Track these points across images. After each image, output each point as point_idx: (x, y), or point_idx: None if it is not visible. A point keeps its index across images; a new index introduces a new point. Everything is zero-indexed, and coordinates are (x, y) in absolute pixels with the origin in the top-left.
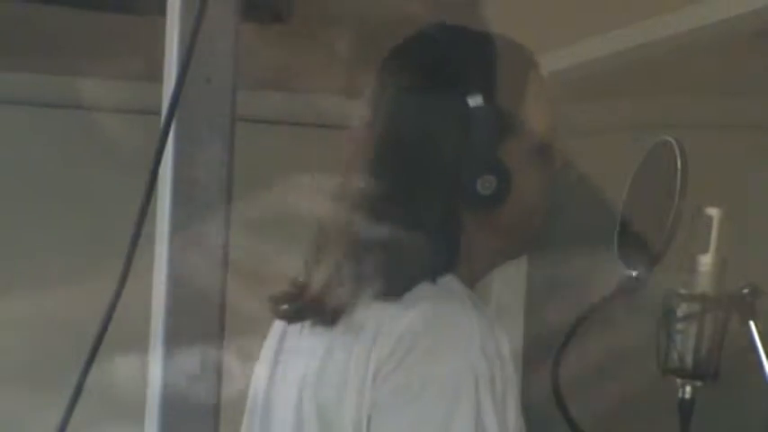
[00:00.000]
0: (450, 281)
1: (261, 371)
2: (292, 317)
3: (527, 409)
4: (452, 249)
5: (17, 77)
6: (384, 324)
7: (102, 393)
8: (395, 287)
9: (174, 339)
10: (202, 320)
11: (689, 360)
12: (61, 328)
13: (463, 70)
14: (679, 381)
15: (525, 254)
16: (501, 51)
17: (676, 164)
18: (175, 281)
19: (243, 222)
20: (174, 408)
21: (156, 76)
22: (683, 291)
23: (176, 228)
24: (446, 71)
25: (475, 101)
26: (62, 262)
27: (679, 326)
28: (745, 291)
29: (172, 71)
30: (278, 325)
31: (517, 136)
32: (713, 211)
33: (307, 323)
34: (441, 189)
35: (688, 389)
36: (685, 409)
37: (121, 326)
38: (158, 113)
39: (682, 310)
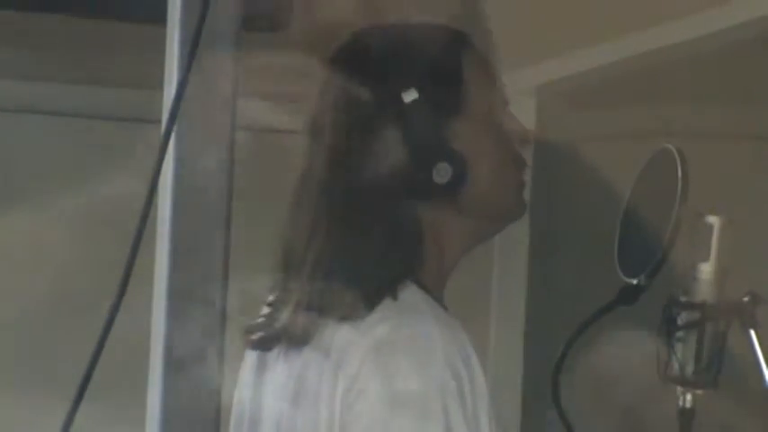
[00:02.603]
0: (412, 292)
1: (243, 392)
2: (264, 345)
3: (526, 415)
4: (413, 255)
5: (15, 86)
6: (348, 346)
7: (103, 398)
8: (356, 310)
9: (174, 346)
10: (203, 328)
11: (689, 368)
12: (62, 333)
13: (392, 68)
14: (679, 389)
15: (501, 229)
16: (429, 40)
17: (677, 172)
18: (176, 288)
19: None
20: (174, 414)
21: (156, 84)
22: (683, 299)
23: (177, 235)
24: (376, 73)
25: (409, 95)
26: (63, 267)
27: (679, 334)
28: (746, 299)
29: (172, 79)
30: (250, 362)
31: (463, 118)
32: (714, 219)
33: (281, 352)
34: (394, 193)
35: (688, 397)
36: (686, 417)
37: (121, 334)
38: (159, 122)
39: (682, 318)
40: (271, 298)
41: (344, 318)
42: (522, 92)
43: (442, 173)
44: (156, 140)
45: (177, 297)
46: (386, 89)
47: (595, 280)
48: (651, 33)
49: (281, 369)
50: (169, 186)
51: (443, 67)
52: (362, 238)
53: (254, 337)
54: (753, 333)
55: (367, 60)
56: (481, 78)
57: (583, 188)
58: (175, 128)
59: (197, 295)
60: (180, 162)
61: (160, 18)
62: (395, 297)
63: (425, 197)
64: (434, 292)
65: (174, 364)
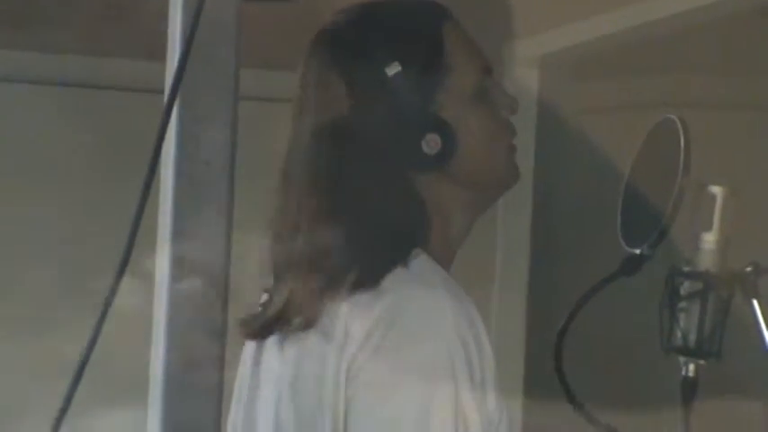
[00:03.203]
0: (422, 261)
1: (245, 365)
2: (262, 333)
3: (530, 389)
4: (417, 224)
5: (18, 55)
6: (357, 312)
7: (104, 377)
8: (368, 277)
9: (177, 323)
10: (206, 302)
11: (692, 338)
12: (67, 296)
13: (375, 43)
14: (682, 359)
15: (499, 196)
16: (408, 14)
17: (679, 142)
18: (179, 261)
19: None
20: (177, 391)
21: (159, 54)
22: (686, 269)
23: (179, 207)
24: (359, 48)
25: (392, 69)
26: (63, 237)
27: (682, 304)
28: (749, 269)
29: (175, 49)
30: (249, 347)
31: (447, 89)
32: (716, 189)
33: (281, 335)
34: (388, 164)
35: (691, 367)
36: (688, 387)
37: (124, 308)
38: (162, 92)
39: (685, 288)
40: (268, 286)
41: (356, 286)
42: (527, 62)
43: (431, 144)
44: (159, 110)
45: (180, 269)
46: (370, 64)
47: (598, 250)
48: (655, 3)
49: (285, 350)
50: (172, 157)
51: (424, 40)
52: (369, 210)
53: (252, 327)
54: (756, 303)
55: (350, 36)
56: (462, 48)
57: (586, 158)
58: (178, 98)
59: (200, 266)
60: (183, 133)
61: None
62: (406, 265)
63: (419, 168)
64: (442, 262)
65: (176, 340)
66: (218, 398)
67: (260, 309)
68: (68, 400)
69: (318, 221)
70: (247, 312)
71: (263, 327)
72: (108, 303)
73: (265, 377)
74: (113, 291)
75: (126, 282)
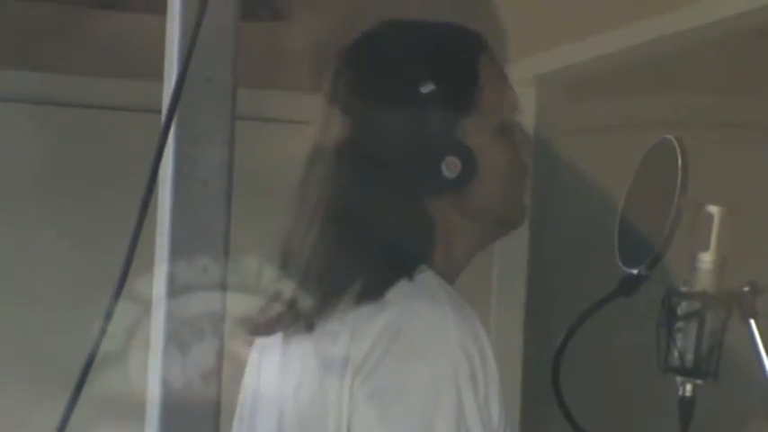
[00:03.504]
0: (427, 277)
1: (248, 380)
2: (267, 330)
3: (527, 407)
4: (425, 241)
5: (15, 75)
6: (361, 324)
7: (101, 394)
8: (373, 289)
9: (173, 339)
10: (203, 319)
11: (689, 358)
12: (62, 322)
13: (411, 59)
14: (679, 379)
15: (504, 234)
16: (449, 38)
17: (677, 162)
18: (176, 277)
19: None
20: (174, 408)
21: (156, 74)
22: (683, 288)
23: (177, 226)
24: (394, 62)
25: (426, 88)
26: (62, 259)
27: (679, 324)
28: (746, 289)
29: (172, 69)
30: (256, 345)
31: (475, 117)
32: (714, 209)
33: (286, 335)
34: (404, 180)
35: (688, 387)
36: (686, 407)
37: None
38: (159, 112)
39: (682, 308)
40: (275, 286)
41: (360, 298)
42: (523, 81)
43: (450, 167)
44: (156, 130)
45: (178, 286)
46: (405, 79)
47: (596, 270)
48: (651, 23)
49: (288, 353)
50: (169, 177)
51: (462, 65)
52: (373, 222)
53: (259, 323)
54: (753, 323)
55: (389, 49)
56: (496, 81)
57: (583, 178)
58: (175, 118)
59: (197, 283)
60: (180, 153)
61: (160, 7)
62: (411, 278)
63: (434, 190)
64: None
65: (173, 357)
66: (215, 418)
67: (265, 308)
68: (65, 420)
69: (328, 230)
70: (254, 310)
71: (267, 325)
72: (106, 323)
73: (267, 386)
74: (111, 310)
75: (123, 301)
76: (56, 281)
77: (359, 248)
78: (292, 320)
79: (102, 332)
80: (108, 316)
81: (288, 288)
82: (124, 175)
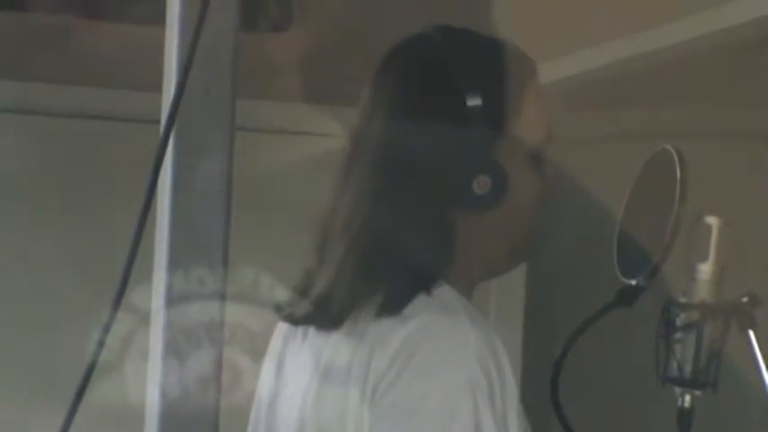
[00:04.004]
0: (445, 291)
1: (265, 380)
2: (295, 320)
3: (526, 417)
4: (446, 257)
5: (15, 86)
6: (381, 338)
7: (101, 402)
8: (392, 304)
9: (172, 348)
10: (202, 329)
11: (688, 369)
12: (61, 333)
13: (462, 71)
14: (678, 390)
15: (522, 261)
16: (502, 56)
17: (676, 172)
18: (175, 288)
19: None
20: (173, 420)
21: (155, 85)
22: (682, 299)
23: (175, 237)
24: (444, 71)
25: (473, 101)
26: (61, 270)
27: (678, 335)
28: (745, 299)
29: (171, 81)
30: (280, 332)
31: (513, 140)
32: (712, 220)
33: (308, 331)
34: (436, 192)
35: (687, 398)
36: (685, 418)
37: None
38: (158, 122)
39: (681, 318)
40: (307, 271)
41: (378, 312)
42: None
43: (482, 185)
44: (155, 141)
45: (177, 296)
46: (452, 89)
47: (594, 281)
48: (650, 34)
49: (308, 353)
50: (168, 188)
51: (512, 85)
52: (400, 233)
53: (286, 311)
54: (752, 333)
55: (438, 57)
56: (539, 108)
57: (581, 189)
58: (174, 129)
59: (196, 293)
60: (179, 163)
61: (159, 19)
62: (429, 293)
63: (461, 205)
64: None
65: (172, 366)
66: (214, 427)
67: (296, 295)
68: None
69: (358, 238)
70: (283, 297)
71: (300, 315)
72: (105, 333)
73: (293, 374)
74: (110, 321)
75: (122, 311)
76: (55, 291)
77: (383, 260)
78: (320, 320)
79: (102, 342)
80: (107, 326)
81: (322, 288)
82: (123, 186)
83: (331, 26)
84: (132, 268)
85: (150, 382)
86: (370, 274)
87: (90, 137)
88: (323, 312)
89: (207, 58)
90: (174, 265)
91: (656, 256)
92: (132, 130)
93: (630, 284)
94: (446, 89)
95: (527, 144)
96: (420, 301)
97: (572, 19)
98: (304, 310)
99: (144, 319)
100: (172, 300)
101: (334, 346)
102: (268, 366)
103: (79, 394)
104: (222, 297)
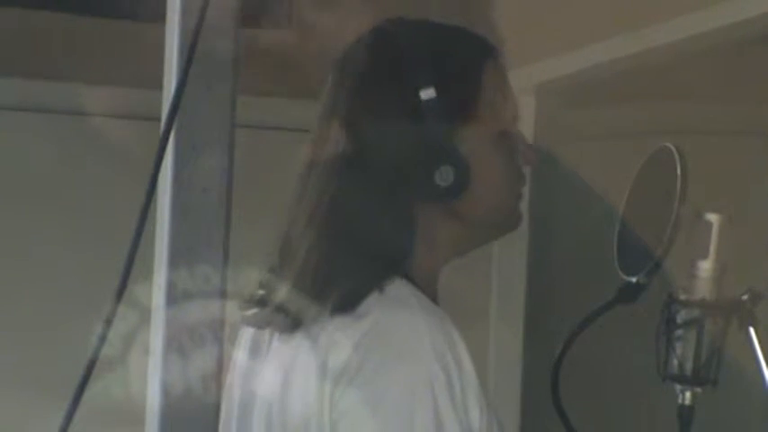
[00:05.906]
0: (398, 286)
1: (233, 382)
2: (256, 323)
3: (526, 414)
4: (409, 251)
5: (17, 83)
6: (336, 338)
7: (102, 398)
8: (345, 302)
9: (173, 344)
10: (202, 323)
11: (688, 366)
12: (62, 330)
13: (414, 63)
14: (679, 387)
15: (495, 238)
16: (454, 42)
17: (676, 170)
18: (175, 285)
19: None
20: (173, 417)
21: (156, 82)
22: (682, 296)
23: (176, 233)
24: (397, 63)
25: (426, 92)
26: (62, 266)
27: (678, 332)
28: (745, 297)
29: (172, 77)
30: (246, 334)
31: (474, 125)
32: (713, 217)
33: (273, 334)
34: (399, 187)
35: (688, 395)
36: (685, 415)
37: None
38: (159, 119)
39: (681, 316)
40: (266, 276)
41: (332, 311)
42: (522, 90)
43: (444, 176)
44: (156, 138)
45: (177, 291)
46: (405, 83)
47: (595, 278)
48: (650, 31)
49: (271, 355)
50: (169, 184)
51: (465, 72)
52: (355, 232)
53: (248, 313)
54: (752, 331)
55: (390, 51)
56: (499, 90)
57: (582, 186)
58: (175, 125)
59: (197, 288)
60: (180, 160)
61: (160, 16)
62: (381, 291)
63: (424, 197)
64: (425, 287)
65: (172, 361)
66: (213, 425)
67: (259, 296)
68: (65, 426)
69: (315, 231)
70: (247, 295)
71: (261, 317)
72: (106, 330)
73: (259, 375)
74: (111, 317)
75: (123, 307)
76: (56, 289)
77: (341, 258)
78: (281, 320)
79: (103, 338)
80: (108, 322)
81: (281, 289)
82: (124, 183)
83: (333, 22)
84: (133, 265)
85: (151, 379)
86: (327, 273)
87: (90, 134)
88: (283, 315)
89: (207, 55)
90: (175, 261)
91: (657, 254)
92: (133, 127)
93: (631, 282)
94: (399, 82)
95: (490, 126)
96: (372, 299)
97: (571, 17)
98: (266, 314)
99: (145, 315)
100: (173, 296)
101: (294, 347)
102: (235, 372)
103: (79, 391)
104: (223, 293)
